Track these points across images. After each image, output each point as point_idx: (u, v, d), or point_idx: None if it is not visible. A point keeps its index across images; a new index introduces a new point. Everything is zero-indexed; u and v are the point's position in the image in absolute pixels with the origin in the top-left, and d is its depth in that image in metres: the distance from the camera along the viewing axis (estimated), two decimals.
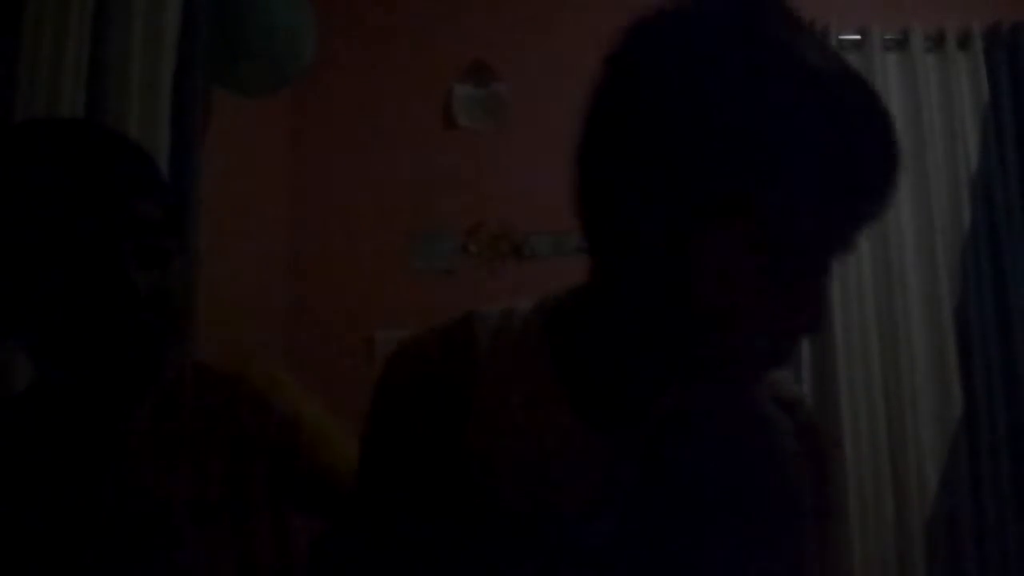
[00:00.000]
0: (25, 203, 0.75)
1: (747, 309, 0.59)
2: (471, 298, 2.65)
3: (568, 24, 2.79)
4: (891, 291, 2.54)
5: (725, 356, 0.61)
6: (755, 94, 0.56)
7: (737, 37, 0.58)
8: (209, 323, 1.61)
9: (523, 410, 0.69)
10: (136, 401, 0.84)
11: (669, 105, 0.59)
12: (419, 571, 0.67)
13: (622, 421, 0.68)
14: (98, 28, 1.33)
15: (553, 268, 2.67)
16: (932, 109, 2.64)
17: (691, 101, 0.57)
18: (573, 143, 0.69)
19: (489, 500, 0.66)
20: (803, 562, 0.70)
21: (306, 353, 2.57)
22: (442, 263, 2.69)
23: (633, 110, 0.63)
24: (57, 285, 0.74)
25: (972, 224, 2.57)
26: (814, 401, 2.52)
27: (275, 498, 0.87)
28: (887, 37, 2.67)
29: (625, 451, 0.67)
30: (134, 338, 0.77)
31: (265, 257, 2.50)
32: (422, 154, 2.72)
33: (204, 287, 1.56)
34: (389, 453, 0.71)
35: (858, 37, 2.67)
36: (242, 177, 2.21)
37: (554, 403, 0.68)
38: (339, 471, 0.88)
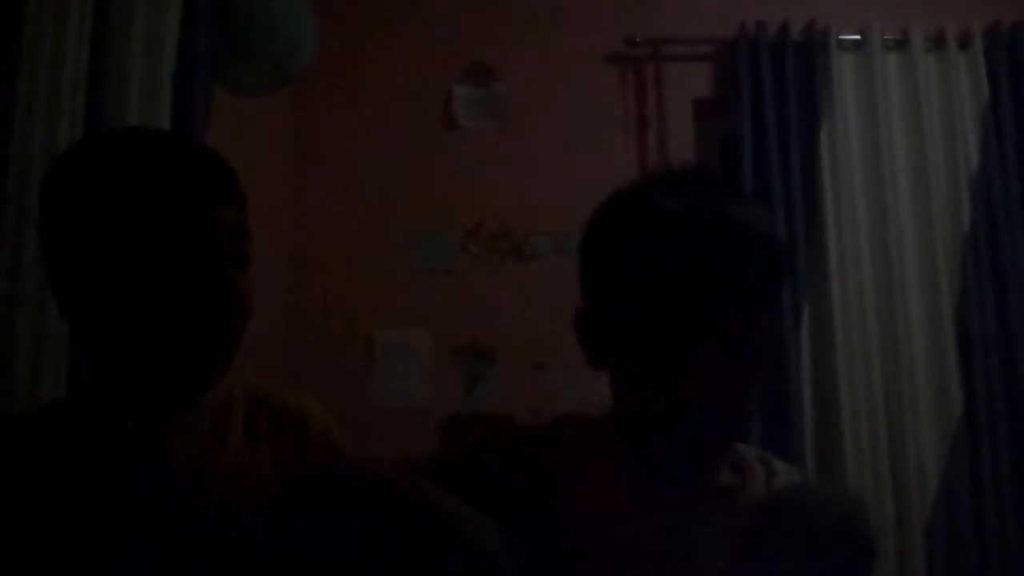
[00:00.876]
0: (131, 209, 0.79)
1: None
2: (471, 298, 2.66)
3: (568, 24, 2.79)
4: (891, 291, 2.54)
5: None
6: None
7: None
8: None
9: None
10: (193, 399, 0.87)
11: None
12: None
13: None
14: (98, 28, 1.33)
15: (553, 268, 2.67)
16: (932, 109, 2.64)
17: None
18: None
19: None
20: None
21: (306, 353, 2.57)
22: (442, 263, 2.69)
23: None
24: (163, 281, 0.79)
25: (972, 224, 2.57)
26: (814, 401, 2.52)
27: None
28: (887, 37, 2.67)
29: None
30: (226, 336, 0.83)
31: (265, 257, 2.49)
32: (422, 154, 2.72)
33: None
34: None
35: (858, 37, 2.67)
36: (242, 177, 2.21)
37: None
38: None
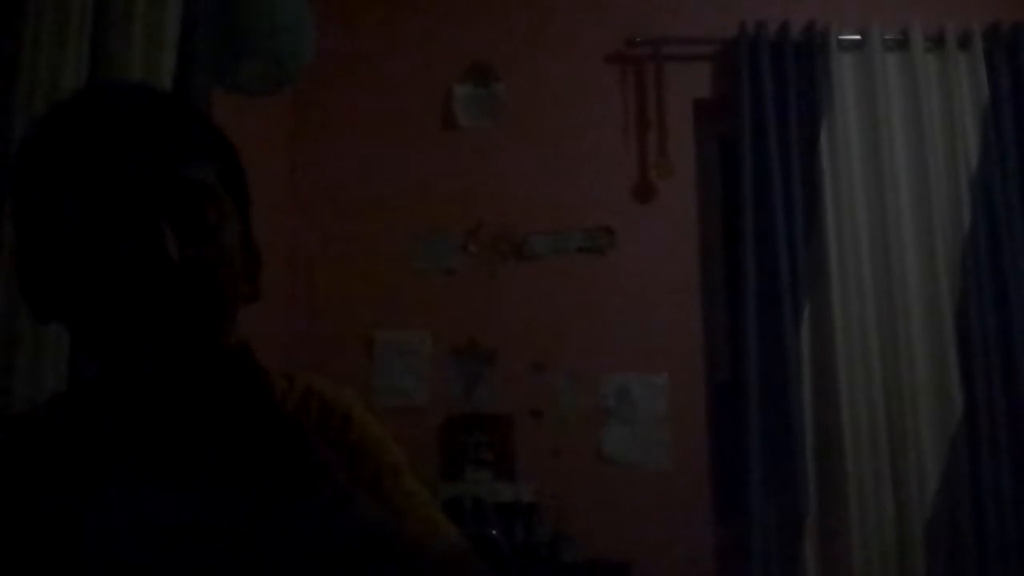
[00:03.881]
0: (68, 173, 0.71)
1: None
2: (471, 298, 2.66)
3: (568, 24, 2.79)
4: (891, 291, 2.54)
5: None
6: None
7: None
8: None
9: None
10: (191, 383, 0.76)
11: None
12: None
13: None
14: (98, 28, 1.33)
15: (553, 268, 2.68)
16: (932, 109, 2.64)
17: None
18: None
19: None
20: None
21: (306, 353, 2.58)
22: (442, 263, 2.69)
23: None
24: (97, 262, 0.70)
25: (972, 224, 2.57)
26: (814, 401, 2.52)
27: None
28: (887, 37, 2.67)
29: None
30: (174, 316, 0.72)
31: (265, 257, 2.50)
32: (422, 154, 2.72)
33: None
34: None
35: (858, 37, 2.67)
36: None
37: None
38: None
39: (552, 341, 2.64)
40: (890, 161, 2.60)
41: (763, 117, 2.62)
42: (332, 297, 2.65)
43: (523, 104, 2.73)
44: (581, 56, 2.77)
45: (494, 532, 2.32)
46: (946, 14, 2.72)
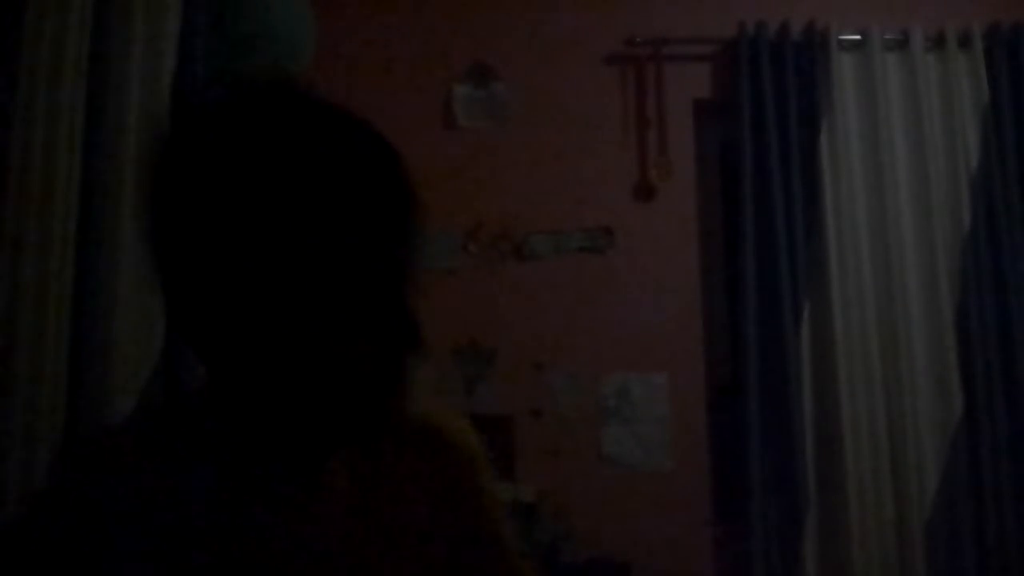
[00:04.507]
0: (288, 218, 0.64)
1: None
2: (471, 298, 2.66)
3: (568, 24, 2.79)
4: (891, 291, 2.54)
5: None
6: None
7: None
8: None
9: None
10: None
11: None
12: None
13: None
14: (98, 28, 1.33)
15: (553, 268, 2.68)
16: (932, 109, 2.64)
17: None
18: None
19: None
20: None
21: None
22: (442, 263, 2.69)
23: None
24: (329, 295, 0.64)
25: (972, 224, 2.57)
26: (814, 401, 2.52)
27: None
28: (887, 37, 2.67)
29: None
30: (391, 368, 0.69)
31: None
32: (422, 154, 2.71)
33: None
34: None
35: (858, 37, 2.67)
36: None
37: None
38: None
39: (552, 341, 2.64)
40: (890, 161, 2.60)
41: (763, 117, 2.62)
42: None
43: (523, 104, 2.73)
44: (581, 56, 2.77)
45: None
46: (946, 14, 2.72)
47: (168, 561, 0.67)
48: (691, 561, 2.53)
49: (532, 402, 2.61)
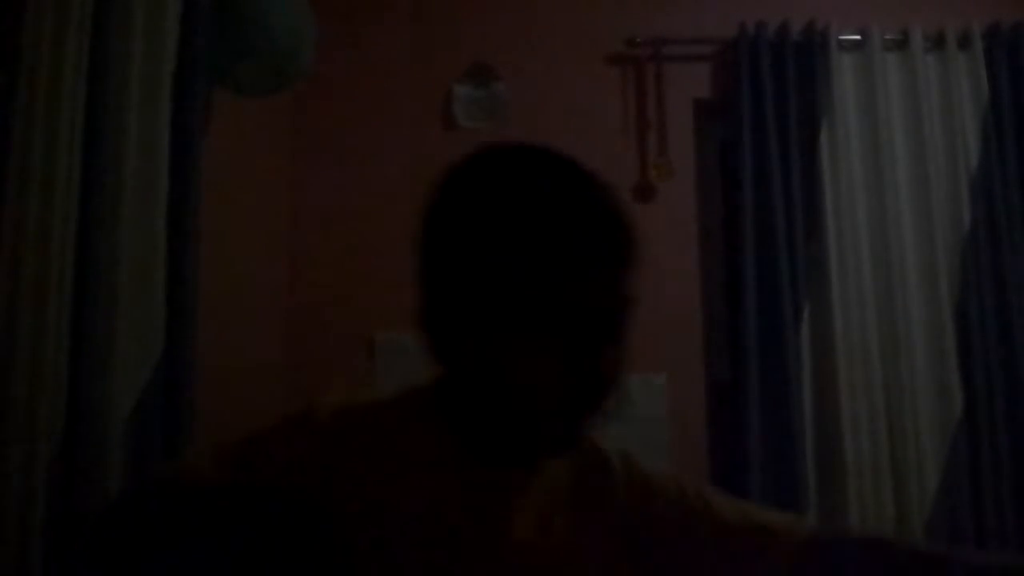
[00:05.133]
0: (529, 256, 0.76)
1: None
2: None
3: (568, 24, 2.79)
4: (891, 291, 2.54)
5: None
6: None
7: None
8: (209, 324, 1.61)
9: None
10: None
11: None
12: None
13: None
14: (98, 28, 1.33)
15: None
16: (932, 109, 2.64)
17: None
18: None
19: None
20: None
21: (306, 353, 2.57)
22: None
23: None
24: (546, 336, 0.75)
25: (972, 224, 2.57)
26: (814, 401, 2.52)
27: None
28: (887, 37, 2.67)
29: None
30: (574, 425, 0.79)
31: (265, 257, 2.50)
32: (422, 154, 2.72)
33: (203, 287, 1.56)
34: None
35: (858, 37, 2.67)
36: (242, 177, 2.21)
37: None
38: None
39: None
40: (890, 161, 2.60)
41: (763, 117, 2.62)
42: (332, 297, 2.64)
43: (523, 104, 2.73)
44: (581, 56, 2.77)
45: None
46: (946, 14, 2.72)
47: (416, 555, 0.76)
48: None
49: None
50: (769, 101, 2.62)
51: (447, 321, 0.78)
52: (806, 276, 2.57)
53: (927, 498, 2.45)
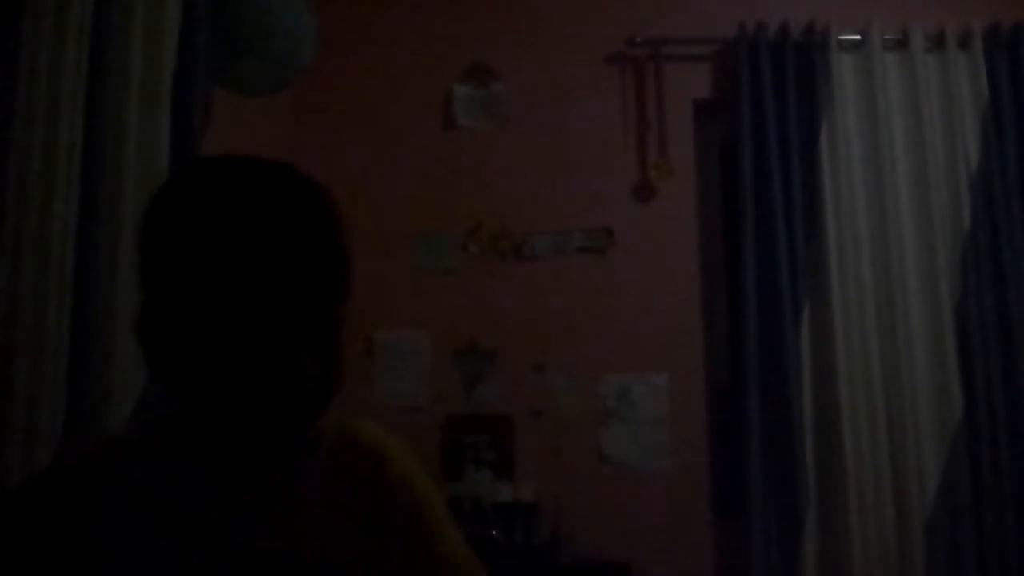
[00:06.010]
0: (225, 262, 0.76)
1: None
2: (471, 298, 2.66)
3: (568, 24, 2.79)
4: (891, 291, 2.54)
5: None
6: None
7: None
8: None
9: None
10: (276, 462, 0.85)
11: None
12: None
13: None
14: (98, 28, 1.33)
15: (553, 268, 2.68)
16: (932, 109, 2.64)
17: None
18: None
19: None
20: None
21: None
22: (442, 263, 2.69)
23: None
24: (239, 356, 0.76)
25: (972, 224, 2.57)
26: (814, 401, 2.52)
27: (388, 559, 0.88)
28: (887, 37, 2.67)
29: None
30: (290, 420, 0.80)
31: None
32: (422, 154, 2.72)
33: None
34: None
35: (858, 37, 2.67)
36: None
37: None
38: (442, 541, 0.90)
39: (552, 341, 2.64)
40: (890, 161, 2.60)
41: (763, 117, 2.62)
42: None
43: (523, 104, 2.73)
44: (581, 56, 2.77)
45: (494, 532, 2.32)
46: (946, 14, 2.72)
47: (170, 536, 0.77)
48: (691, 561, 2.53)
49: (532, 402, 2.61)
50: (769, 101, 2.62)
51: (162, 332, 0.79)
52: (806, 276, 2.57)
53: (927, 498, 2.45)
